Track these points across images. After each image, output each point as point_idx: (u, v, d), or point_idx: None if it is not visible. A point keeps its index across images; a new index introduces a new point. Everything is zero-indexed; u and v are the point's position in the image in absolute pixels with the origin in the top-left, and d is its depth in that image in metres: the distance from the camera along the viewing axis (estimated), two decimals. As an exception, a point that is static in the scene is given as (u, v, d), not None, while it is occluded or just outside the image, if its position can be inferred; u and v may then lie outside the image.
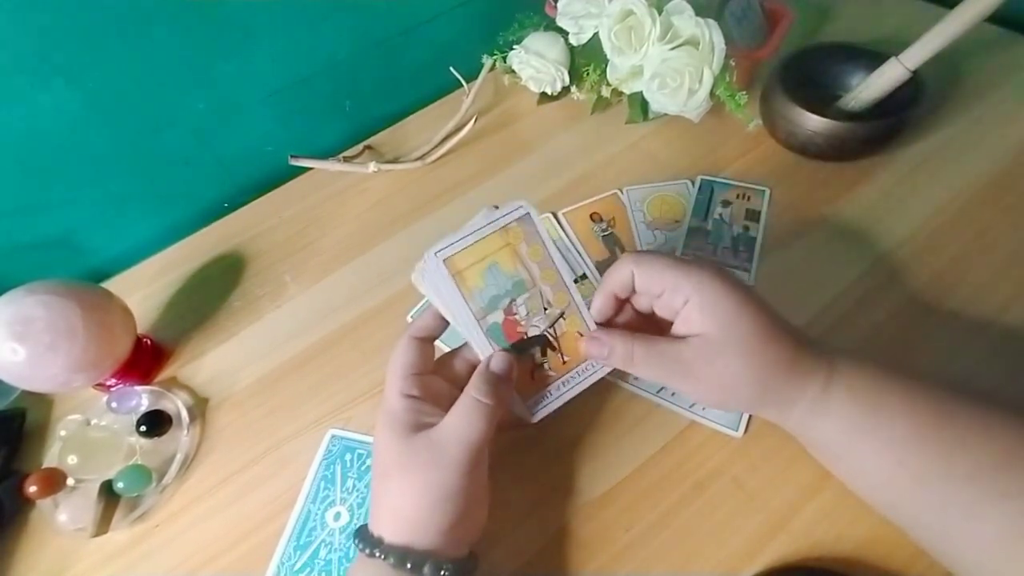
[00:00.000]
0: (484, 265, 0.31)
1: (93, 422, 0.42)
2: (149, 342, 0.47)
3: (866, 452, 0.28)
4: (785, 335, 0.29)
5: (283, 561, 0.36)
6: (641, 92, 0.51)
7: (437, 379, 0.33)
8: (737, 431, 0.36)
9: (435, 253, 0.31)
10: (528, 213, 0.32)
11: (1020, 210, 0.44)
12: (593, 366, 0.33)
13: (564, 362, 0.33)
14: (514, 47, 0.56)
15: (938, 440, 0.27)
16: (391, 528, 0.28)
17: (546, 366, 0.33)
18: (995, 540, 0.25)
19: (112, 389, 0.44)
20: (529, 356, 0.32)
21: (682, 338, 0.30)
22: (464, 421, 0.28)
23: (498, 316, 0.32)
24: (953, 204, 0.45)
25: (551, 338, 0.33)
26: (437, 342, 0.43)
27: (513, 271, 0.32)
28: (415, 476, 0.28)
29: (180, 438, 0.41)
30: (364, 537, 0.29)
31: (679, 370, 0.30)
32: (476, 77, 0.57)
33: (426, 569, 0.27)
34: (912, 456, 0.27)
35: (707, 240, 0.46)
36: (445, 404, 0.30)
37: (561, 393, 0.33)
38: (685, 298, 0.29)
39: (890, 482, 0.28)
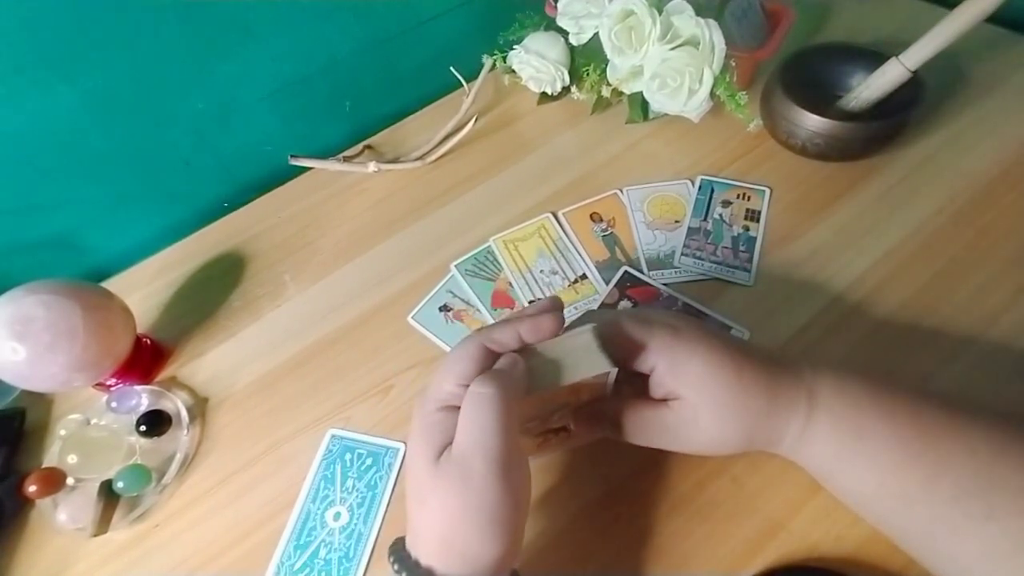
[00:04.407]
0: (543, 401, 0.29)
1: (93, 422, 0.42)
2: (149, 342, 0.47)
3: (851, 475, 0.29)
4: (758, 377, 0.29)
5: (283, 561, 0.36)
6: (641, 92, 0.51)
7: None
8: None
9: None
10: (609, 374, 0.28)
11: (1021, 210, 0.44)
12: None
13: (570, 435, 0.33)
14: (514, 47, 0.56)
15: (921, 464, 0.27)
16: (442, 560, 0.25)
17: (554, 440, 0.33)
18: (979, 558, 0.25)
19: (112, 389, 0.44)
20: (540, 437, 0.33)
21: (662, 401, 0.30)
22: (473, 424, 0.25)
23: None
24: (953, 204, 0.45)
25: (568, 427, 0.33)
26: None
27: (564, 402, 0.31)
28: (453, 501, 0.25)
29: (180, 438, 0.41)
30: (410, 567, 0.26)
31: (666, 436, 0.30)
32: (476, 77, 0.57)
33: None
34: (895, 480, 0.27)
35: (707, 240, 0.46)
36: None
37: (556, 449, 0.35)
38: (651, 365, 0.29)
39: (875, 503, 0.28)
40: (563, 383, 0.27)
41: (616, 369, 0.27)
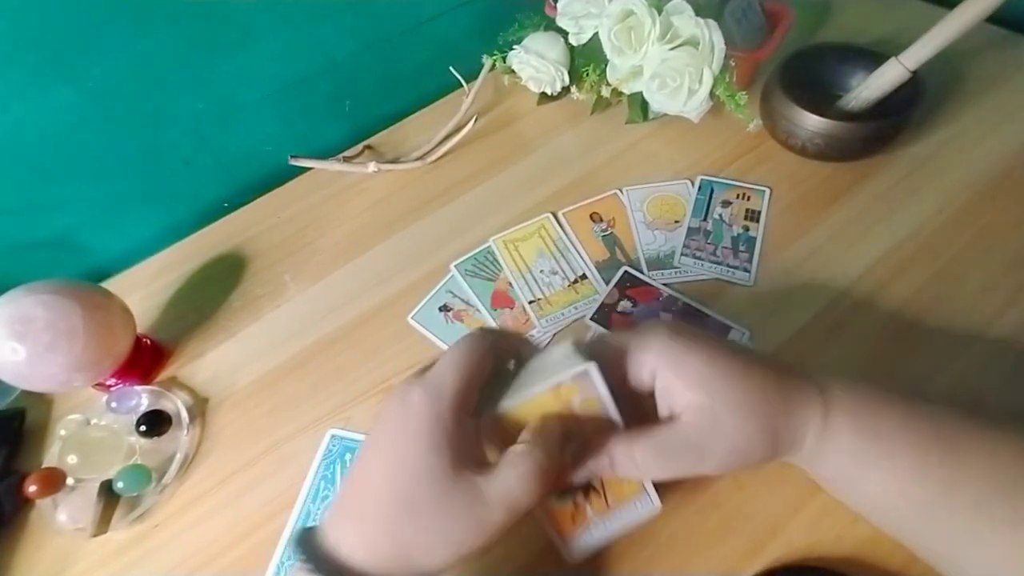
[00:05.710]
0: (531, 411, 0.29)
1: (93, 422, 0.42)
2: (149, 342, 0.47)
3: (871, 483, 0.27)
4: (767, 373, 0.28)
5: (283, 561, 0.36)
6: (641, 92, 0.51)
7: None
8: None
9: (500, 408, 0.28)
10: (587, 371, 0.27)
11: (1020, 210, 0.44)
12: (638, 506, 0.31)
13: (608, 504, 0.31)
14: (514, 47, 0.56)
15: (941, 469, 0.26)
16: (390, 564, 0.24)
17: (588, 510, 0.31)
18: (1004, 565, 0.25)
19: (112, 389, 0.44)
20: (570, 500, 0.31)
21: (675, 418, 0.28)
22: (522, 484, 0.24)
23: None
24: (953, 204, 0.45)
25: (594, 483, 0.31)
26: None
27: (567, 429, 0.29)
28: (447, 527, 0.24)
29: (180, 438, 0.41)
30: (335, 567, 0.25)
31: (692, 456, 0.27)
32: (476, 77, 0.57)
33: None
34: (916, 487, 0.26)
35: (707, 240, 0.46)
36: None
37: (604, 534, 0.31)
38: (652, 370, 0.28)
39: (895, 511, 0.28)
40: (544, 386, 0.28)
41: (594, 363, 0.27)
